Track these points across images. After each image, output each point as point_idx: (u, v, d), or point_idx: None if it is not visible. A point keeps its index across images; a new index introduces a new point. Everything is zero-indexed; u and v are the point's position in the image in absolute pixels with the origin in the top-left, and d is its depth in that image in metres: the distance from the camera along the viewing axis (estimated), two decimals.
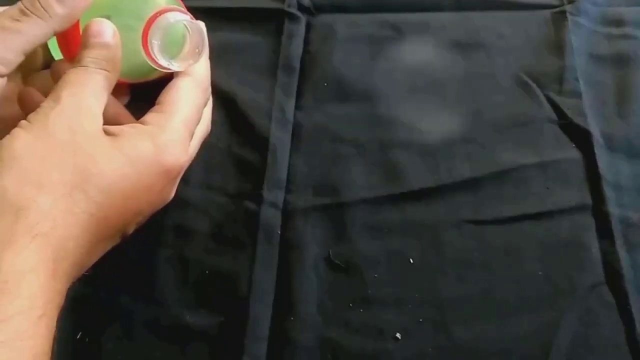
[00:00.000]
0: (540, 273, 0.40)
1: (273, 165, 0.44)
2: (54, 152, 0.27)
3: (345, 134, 0.46)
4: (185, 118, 0.33)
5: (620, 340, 0.37)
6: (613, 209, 0.42)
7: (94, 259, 0.31)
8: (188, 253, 0.41)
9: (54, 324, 0.26)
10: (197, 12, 0.51)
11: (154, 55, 0.33)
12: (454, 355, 0.37)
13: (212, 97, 0.44)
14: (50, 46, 0.36)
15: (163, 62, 0.33)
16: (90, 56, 0.31)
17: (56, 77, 0.32)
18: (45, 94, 0.31)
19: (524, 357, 0.37)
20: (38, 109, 0.28)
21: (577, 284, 0.39)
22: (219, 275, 0.40)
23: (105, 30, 0.31)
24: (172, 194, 0.35)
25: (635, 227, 0.41)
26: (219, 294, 0.39)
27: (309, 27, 0.52)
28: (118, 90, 0.37)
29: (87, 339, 0.38)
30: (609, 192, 0.43)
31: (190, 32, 0.34)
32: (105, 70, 0.31)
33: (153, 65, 0.34)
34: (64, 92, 0.29)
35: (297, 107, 0.47)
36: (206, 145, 0.45)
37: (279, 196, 0.43)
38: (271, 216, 0.42)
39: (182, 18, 0.33)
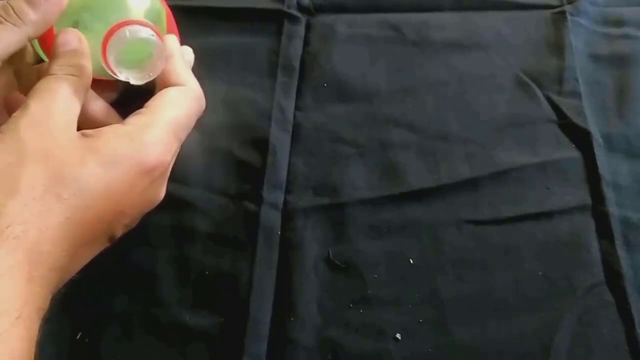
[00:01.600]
0: (539, 273, 0.40)
1: (273, 166, 0.44)
2: (24, 159, 0.28)
3: (345, 134, 0.46)
4: (170, 121, 0.33)
5: (620, 340, 0.37)
6: (612, 209, 0.42)
7: (79, 263, 0.31)
8: (188, 253, 0.41)
9: (35, 326, 0.26)
10: (196, 12, 0.52)
11: (112, 67, 0.33)
12: (454, 355, 0.37)
13: (212, 97, 0.44)
14: (36, 47, 0.36)
15: (120, 75, 0.34)
16: (57, 64, 0.31)
17: (10, 105, 0.33)
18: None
19: (524, 357, 0.37)
20: (9, 120, 0.29)
21: (577, 284, 0.39)
22: (219, 276, 0.40)
23: (71, 39, 0.32)
24: (161, 195, 0.35)
25: (634, 227, 0.41)
26: (219, 294, 0.39)
27: (308, 27, 0.52)
28: (103, 88, 0.37)
29: (86, 340, 0.38)
30: (608, 192, 0.43)
31: (150, 47, 0.34)
32: (73, 75, 0.31)
33: (114, 76, 0.34)
34: (33, 101, 0.30)
35: (297, 107, 0.47)
36: (206, 146, 0.45)
37: (279, 197, 0.43)
38: (271, 217, 0.42)
39: (139, 34, 0.33)
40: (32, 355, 0.26)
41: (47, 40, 0.33)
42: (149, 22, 0.34)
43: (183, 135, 0.35)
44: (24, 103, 0.30)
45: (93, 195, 0.29)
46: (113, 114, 0.36)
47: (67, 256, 0.28)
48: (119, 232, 0.33)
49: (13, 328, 0.25)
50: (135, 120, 0.33)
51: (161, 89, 0.35)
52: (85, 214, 0.29)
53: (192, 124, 0.36)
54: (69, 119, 0.30)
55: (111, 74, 0.34)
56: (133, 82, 0.34)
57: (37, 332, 0.26)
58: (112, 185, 0.30)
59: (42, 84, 0.31)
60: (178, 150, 0.36)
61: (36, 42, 0.35)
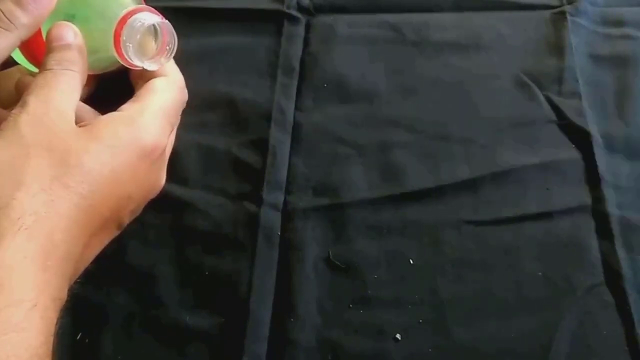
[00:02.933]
0: (539, 273, 0.40)
1: (273, 166, 0.44)
2: (28, 152, 0.28)
3: (345, 134, 0.46)
4: (162, 107, 0.34)
5: (620, 340, 0.37)
6: (612, 210, 0.42)
7: (92, 251, 0.31)
8: (188, 254, 0.41)
9: (52, 315, 0.26)
10: (197, 12, 0.52)
11: (128, 57, 0.33)
12: (454, 356, 0.37)
13: (212, 97, 0.44)
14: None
15: (137, 62, 0.34)
16: (53, 59, 0.31)
17: (19, 89, 0.33)
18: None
19: (524, 358, 0.37)
20: (8, 117, 0.29)
21: (577, 284, 0.39)
22: (218, 276, 0.40)
23: (66, 33, 0.32)
24: (162, 180, 0.36)
25: (634, 227, 0.41)
26: (219, 294, 0.39)
27: (308, 27, 0.52)
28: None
29: (86, 340, 0.38)
30: (608, 193, 0.43)
31: (161, 31, 0.34)
32: (70, 70, 0.31)
33: (126, 65, 0.34)
34: (31, 97, 0.30)
35: (297, 107, 0.47)
36: (206, 146, 0.45)
37: (278, 197, 0.43)
38: (271, 217, 0.42)
39: (153, 19, 0.33)
40: (50, 346, 0.26)
41: (32, 40, 0.33)
42: (150, 7, 0.34)
43: (174, 122, 0.36)
44: (22, 99, 0.30)
45: (99, 181, 0.29)
46: (90, 110, 0.36)
47: (79, 244, 0.29)
48: (127, 219, 0.33)
49: (28, 318, 0.25)
50: (129, 106, 0.33)
51: (146, 80, 0.36)
52: (93, 201, 0.29)
53: (180, 112, 0.37)
54: (67, 113, 0.30)
55: (125, 64, 0.34)
56: (149, 68, 0.34)
57: (54, 323, 0.26)
58: (117, 169, 0.30)
59: (39, 80, 0.31)
60: (172, 137, 0.36)
61: None
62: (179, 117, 0.36)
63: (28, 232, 0.26)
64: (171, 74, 0.36)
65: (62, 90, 0.31)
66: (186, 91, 0.38)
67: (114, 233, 0.33)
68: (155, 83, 0.35)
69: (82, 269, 0.31)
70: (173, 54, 0.35)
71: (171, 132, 0.36)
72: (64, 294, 0.28)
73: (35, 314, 0.25)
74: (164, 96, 0.35)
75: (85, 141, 0.30)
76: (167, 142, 0.35)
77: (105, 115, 0.32)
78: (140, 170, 0.32)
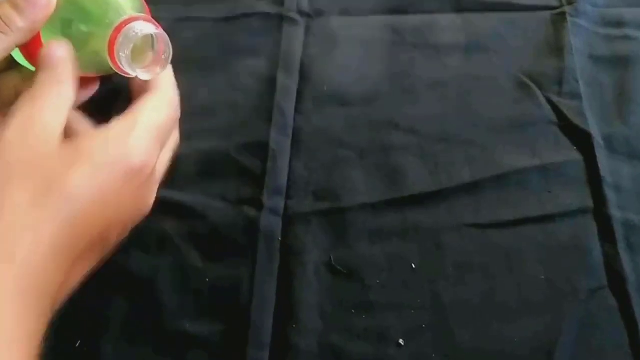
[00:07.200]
0: (542, 277, 0.40)
1: (273, 171, 0.44)
2: (8, 175, 0.27)
3: (345, 137, 0.46)
4: (152, 123, 0.33)
5: (623, 343, 0.37)
6: (614, 212, 0.42)
7: (76, 277, 0.31)
8: (188, 260, 0.40)
9: (30, 347, 0.26)
10: (197, 17, 0.51)
11: (122, 66, 0.33)
12: None
13: (212, 101, 0.44)
14: (12, 52, 0.36)
15: (130, 71, 0.33)
16: (43, 74, 0.31)
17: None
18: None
19: None
20: None
21: (579, 287, 0.39)
22: (219, 283, 0.40)
23: (56, 51, 0.32)
24: (150, 202, 0.35)
25: (637, 229, 0.41)
26: (219, 301, 0.39)
27: (308, 30, 0.51)
28: (85, 82, 0.36)
29: (85, 348, 0.37)
30: (610, 195, 0.43)
31: (157, 41, 0.34)
32: (59, 84, 0.31)
33: (120, 73, 0.34)
34: (17, 112, 0.29)
35: (297, 110, 0.47)
36: (206, 151, 0.45)
37: (279, 202, 0.43)
38: (272, 222, 0.42)
39: (147, 29, 0.33)
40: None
41: (32, 44, 0.33)
42: (147, 16, 0.34)
43: (164, 139, 0.35)
44: (9, 114, 0.29)
45: (83, 202, 0.29)
46: (82, 120, 0.36)
47: (61, 272, 0.28)
48: (112, 242, 0.32)
49: (5, 351, 0.24)
50: (118, 124, 0.32)
51: (138, 94, 0.35)
52: (77, 223, 0.28)
53: (171, 130, 0.36)
54: (52, 128, 0.30)
55: (119, 72, 0.34)
56: (142, 77, 0.34)
57: (34, 355, 0.26)
58: (103, 189, 0.29)
59: (27, 95, 0.30)
60: (164, 157, 0.35)
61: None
62: (170, 136, 0.36)
63: (6, 265, 0.25)
64: (165, 90, 0.35)
65: (48, 106, 0.30)
66: (179, 109, 0.37)
67: (98, 257, 0.32)
68: (147, 100, 0.34)
69: (64, 296, 0.30)
70: (168, 64, 0.35)
71: (161, 151, 0.35)
72: (43, 326, 0.27)
73: (12, 346, 0.25)
74: (154, 114, 0.34)
75: (69, 159, 0.29)
76: (156, 161, 0.34)
77: (92, 131, 0.32)
78: (127, 190, 0.31)
